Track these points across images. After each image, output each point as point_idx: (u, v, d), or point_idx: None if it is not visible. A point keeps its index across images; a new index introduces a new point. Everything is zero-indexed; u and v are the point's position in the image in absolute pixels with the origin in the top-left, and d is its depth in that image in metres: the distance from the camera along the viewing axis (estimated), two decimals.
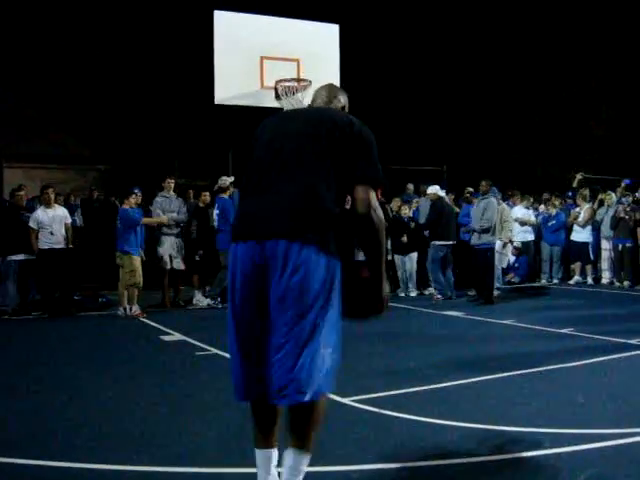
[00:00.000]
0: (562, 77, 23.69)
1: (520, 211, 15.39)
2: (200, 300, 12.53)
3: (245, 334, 3.41)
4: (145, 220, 11.11)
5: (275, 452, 3.60)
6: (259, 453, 3.60)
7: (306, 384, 3.27)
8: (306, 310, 3.27)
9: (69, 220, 11.94)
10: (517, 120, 23.96)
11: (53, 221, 11.44)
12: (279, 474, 3.57)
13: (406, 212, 13.82)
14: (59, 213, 11.65)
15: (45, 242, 11.35)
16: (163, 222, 11.45)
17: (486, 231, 11.97)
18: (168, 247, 12.27)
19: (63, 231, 11.54)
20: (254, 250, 3.32)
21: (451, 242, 13.04)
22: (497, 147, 23.66)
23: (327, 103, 3.79)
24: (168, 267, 12.24)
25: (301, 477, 3.44)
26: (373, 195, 3.41)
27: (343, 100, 3.87)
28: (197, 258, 12.60)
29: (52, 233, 11.37)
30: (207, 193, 13.05)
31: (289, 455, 3.42)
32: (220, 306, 12.17)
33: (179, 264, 12.42)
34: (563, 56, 23.35)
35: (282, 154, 3.39)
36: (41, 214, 11.46)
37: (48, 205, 11.58)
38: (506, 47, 23.17)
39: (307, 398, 3.28)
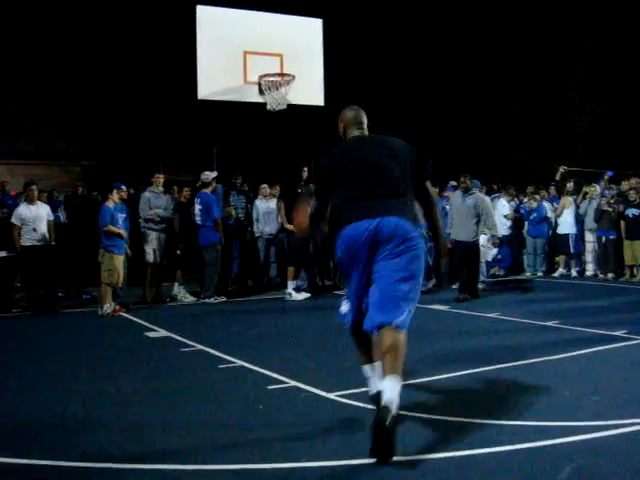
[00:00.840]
0: (545, 70, 23.78)
1: (506, 206, 15.41)
2: (184, 295, 12.49)
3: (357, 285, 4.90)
4: (107, 229, 10.91)
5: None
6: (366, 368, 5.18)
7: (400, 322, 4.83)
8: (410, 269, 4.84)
9: (52, 217, 11.86)
10: (501, 113, 24.02)
11: (36, 218, 11.33)
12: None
13: None
14: (42, 210, 11.54)
15: (28, 239, 11.25)
16: (121, 236, 11.20)
17: (472, 225, 11.87)
18: (153, 242, 12.23)
19: (45, 228, 11.43)
20: (369, 224, 4.74)
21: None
22: (481, 140, 23.71)
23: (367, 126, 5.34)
24: (152, 261, 12.19)
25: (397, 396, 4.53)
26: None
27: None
28: (178, 252, 12.59)
29: (35, 230, 11.27)
30: (188, 189, 12.99)
31: (387, 380, 4.59)
32: (218, 300, 12.24)
33: (163, 259, 12.40)
34: (546, 49, 23.43)
35: (382, 173, 4.90)
36: (24, 210, 11.34)
37: (31, 202, 11.47)
38: (489, 40, 23.22)
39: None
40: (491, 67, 23.49)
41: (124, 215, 11.62)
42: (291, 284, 12.65)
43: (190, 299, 12.45)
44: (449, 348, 7.93)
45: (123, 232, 11.07)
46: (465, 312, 10.66)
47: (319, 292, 13.06)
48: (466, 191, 12.06)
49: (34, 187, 11.65)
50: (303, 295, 12.67)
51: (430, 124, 22.85)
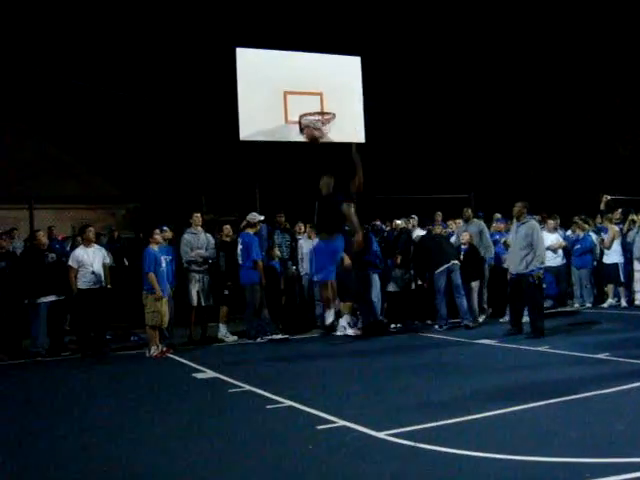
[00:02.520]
0: (586, 99, 23.60)
1: (550, 237, 15.23)
2: (226, 336, 12.56)
3: None
4: (148, 276, 11.01)
5: None
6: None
7: None
8: None
9: (108, 259, 12.00)
10: (543, 144, 23.87)
11: (94, 260, 11.48)
12: None
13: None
14: (98, 252, 11.69)
15: (84, 282, 11.39)
16: (157, 295, 11.29)
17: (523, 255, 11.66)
18: (196, 284, 12.35)
19: (101, 271, 11.58)
20: None
21: (449, 264, 12.86)
22: (524, 172, 23.57)
23: None
24: (195, 304, 12.32)
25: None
26: None
27: None
28: (226, 292, 12.67)
29: (93, 272, 11.42)
30: (228, 226, 13.10)
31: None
32: (264, 340, 12.27)
33: (207, 300, 12.49)
34: (586, 77, 23.28)
35: None
36: (81, 253, 11.47)
37: (88, 244, 11.62)
38: (530, 71, 23.17)
39: None
40: (532, 99, 23.41)
41: (169, 257, 11.72)
42: (346, 318, 12.60)
43: (232, 339, 12.50)
44: (498, 384, 7.83)
45: (157, 290, 11.05)
46: (513, 346, 10.53)
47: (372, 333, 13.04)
48: (518, 219, 11.90)
49: (91, 229, 11.80)
50: (355, 331, 12.63)
51: (472, 157, 22.80)
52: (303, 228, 14.10)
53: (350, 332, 12.49)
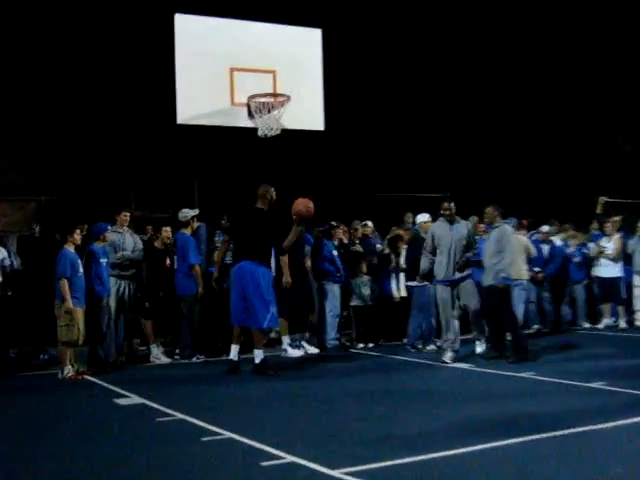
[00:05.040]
0: (584, 87, 23.84)
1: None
2: (157, 357, 12.48)
3: None
4: (62, 284, 10.86)
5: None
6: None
7: None
8: None
9: (7, 263, 11.83)
10: (531, 137, 24.05)
11: None
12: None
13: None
14: None
15: None
16: (67, 306, 11.14)
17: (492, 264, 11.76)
18: (119, 293, 12.20)
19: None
20: None
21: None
22: (509, 169, 23.72)
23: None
24: (113, 317, 12.08)
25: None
26: None
27: None
28: (147, 305, 12.62)
29: None
30: (168, 228, 13.00)
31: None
32: (199, 360, 12.30)
33: (130, 312, 12.41)
34: (588, 64, 23.53)
35: None
36: None
37: None
38: (524, 54, 23.35)
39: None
40: (521, 84, 23.60)
41: (107, 260, 11.72)
42: (285, 339, 12.72)
43: (164, 360, 12.43)
44: (474, 415, 7.85)
45: (68, 300, 10.92)
46: (493, 371, 10.63)
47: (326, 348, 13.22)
48: (490, 223, 11.99)
49: None
50: (301, 352, 12.76)
51: (450, 152, 22.92)
52: None
53: (295, 353, 12.55)
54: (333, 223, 13.93)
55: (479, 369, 10.90)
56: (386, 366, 11.54)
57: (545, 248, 15.19)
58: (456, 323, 12.09)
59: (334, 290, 13.37)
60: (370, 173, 21.93)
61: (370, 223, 14.99)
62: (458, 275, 11.54)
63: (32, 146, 20.32)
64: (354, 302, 13.61)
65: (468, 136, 23.47)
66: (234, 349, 11.03)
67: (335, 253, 13.49)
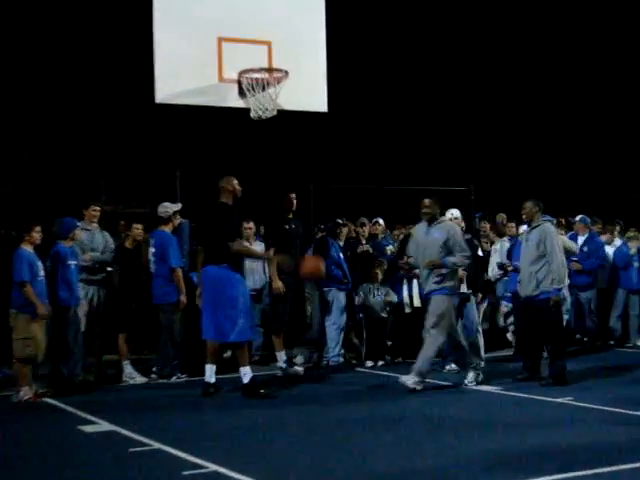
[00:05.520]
0: (628, 73, 23.88)
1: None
2: (131, 376, 12.45)
3: None
4: (27, 290, 10.83)
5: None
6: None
7: None
8: None
9: None
10: (561, 126, 24.06)
11: None
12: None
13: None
14: None
15: None
16: (41, 313, 11.13)
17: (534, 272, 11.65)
18: (86, 301, 12.18)
19: None
20: None
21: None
22: (538, 161, 23.72)
23: None
24: (83, 329, 12.10)
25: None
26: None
27: None
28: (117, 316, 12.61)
29: None
30: (139, 226, 12.98)
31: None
32: (181, 379, 12.29)
33: (101, 324, 12.42)
34: (626, 54, 23.58)
35: None
36: None
37: None
38: (563, 38, 23.39)
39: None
40: (549, 73, 23.66)
41: (76, 262, 11.68)
42: (281, 356, 12.69)
43: (141, 380, 12.42)
44: (501, 446, 7.84)
45: (39, 305, 10.92)
46: (523, 395, 10.60)
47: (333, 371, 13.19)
48: (529, 221, 11.88)
49: None
50: (301, 369, 12.83)
51: (474, 143, 22.91)
52: (254, 228, 14.02)
53: (294, 371, 12.64)
54: (339, 221, 13.89)
55: (507, 393, 10.85)
56: (397, 388, 11.49)
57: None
58: (480, 339, 12.12)
59: (340, 299, 13.34)
60: (380, 162, 21.95)
61: (381, 221, 14.91)
62: (429, 287, 11.38)
63: None
64: (364, 313, 13.54)
65: (495, 120, 23.46)
66: (208, 369, 11.03)
67: (342, 256, 13.45)
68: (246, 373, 10.91)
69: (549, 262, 11.35)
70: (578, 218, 15.48)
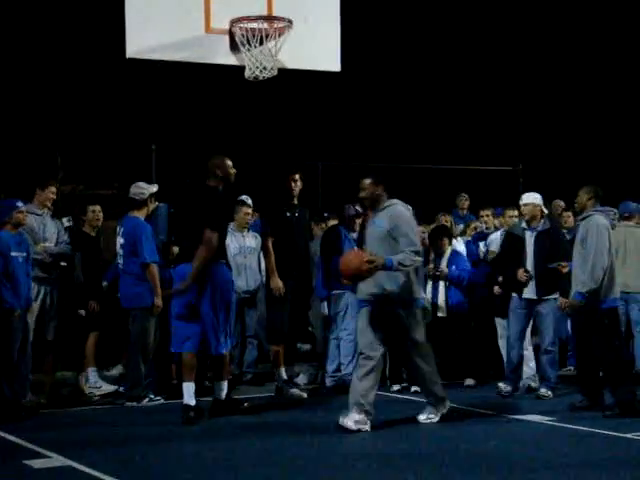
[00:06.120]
0: None
1: None
2: (96, 385, 12.61)
3: None
4: None
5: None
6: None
7: None
8: None
9: None
10: (621, 101, 24.13)
11: None
12: None
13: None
14: None
15: None
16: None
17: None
18: (37, 304, 12.15)
19: None
20: None
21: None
22: (594, 138, 23.77)
23: None
24: (31, 338, 12.02)
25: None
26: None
27: None
28: (82, 313, 12.72)
29: None
30: (96, 207, 13.09)
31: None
32: (153, 402, 12.29)
33: (54, 331, 12.43)
34: None
35: None
36: None
37: None
38: (616, 15, 23.58)
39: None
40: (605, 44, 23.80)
41: (24, 254, 11.65)
42: (280, 373, 12.72)
43: (108, 388, 12.66)
44: None
45: None
46: (583, 429, 10.52)
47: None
48: (581, 212, 11.97)
49: None
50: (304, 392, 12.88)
51: (523, 119, 22.96)
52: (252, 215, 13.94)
53: (299, 393, 12.74)
54: (358, 208, 13.70)
55: (563, 425, 10.77)
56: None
57: None
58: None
59: (353, 303, 13.19)
60: (405, 136, 21.91)
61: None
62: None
63: None
64: None
65: (549, 85, 23.48)
66: (187, 389, 11.03)
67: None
68: (223, 388, 11.19)
69: (586, 261, 11.33)
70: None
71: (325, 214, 14.75)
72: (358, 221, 13.71)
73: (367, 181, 10.93)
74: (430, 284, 13.60)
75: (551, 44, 23.56)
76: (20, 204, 11.68)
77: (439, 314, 13.58)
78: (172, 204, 13.53)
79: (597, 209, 11.78)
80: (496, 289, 13.09)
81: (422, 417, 10.95)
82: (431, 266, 13.51)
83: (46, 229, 12.37)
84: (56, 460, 9.04)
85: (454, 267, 13.55)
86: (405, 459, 9.13)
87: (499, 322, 13.45)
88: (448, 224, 14.31)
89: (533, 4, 23.33)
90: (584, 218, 11.66)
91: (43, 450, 9.45)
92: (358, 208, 13.56)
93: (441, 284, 13.53)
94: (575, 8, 23.46)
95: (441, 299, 13.52)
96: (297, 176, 12.69)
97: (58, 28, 19.08)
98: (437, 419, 10.87)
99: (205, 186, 11.17)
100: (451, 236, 13.91)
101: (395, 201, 11.03)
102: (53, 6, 18.91)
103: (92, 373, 12.58)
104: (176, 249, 12.95)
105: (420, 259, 10.94)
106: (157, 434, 10.57)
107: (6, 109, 19.98)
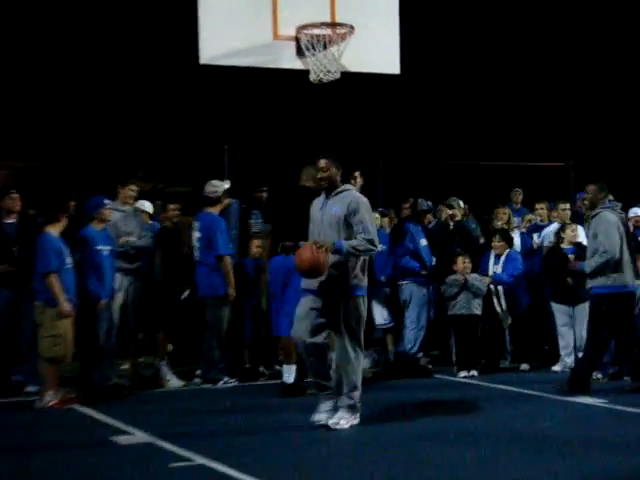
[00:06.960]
0: None
1: None
2: (168, 379, 12.57)
3: None
4: (51, 281, 10.83)
5: None
6: None
7: None
8: None
9: None
10: None
11: None
12: None
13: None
14: None
15: None
16: (62, 309, 11.12)
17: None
18: (121, 293, 12.29)
19: None
20: None
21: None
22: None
23: None
24: (117, 324, 12.21)
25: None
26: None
27: None
28: (186, 293, 12.90)
29: None
30: (175, 206, 13.21)
31: None
32: (228, 385, 12.34)
33: (137, 320, 12.57)
34: None
35: None
36: None
37: None
38: None
39: None
40: None
41: (108, 247, 11.79)
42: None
43: (178, 383, 12.57)
44: (605, 469, 7.77)
45: (62, 301, 10.97)
46: (634, 410, 10.42)
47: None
48: (592, 208, 12.03)
49: None
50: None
51: (574, 114, 22.81)
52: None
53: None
54: (429, 203, 13.81)
55: (614, 406, 10.68)
56: (481, 398, 11.42)
57: None
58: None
59: (417, 294, 13.25)
60: (462, 134, 21.84)
61: (461, 203, 14.85)
62: None
63: (8, 99, 20.50)
64: (453, 311, 13.38)
65: (601, 80, 23.30)
66: (287, 370, 11.32)
67: (425, 243, 13.38)
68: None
69: (599, 255, 11.51)
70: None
71: (379, 209, 14.72)
72: (429, 216, 13.86)
73: (324, 162, 9.89)
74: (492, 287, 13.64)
75: (604, 39, 23.34)
76: (107, 201, 11.95)
77: (499, 308, 13.61)
78: (243, 199, 13.62)
79: (605, 205, 11.93)
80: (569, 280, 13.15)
81: (331, 421, 9.55)
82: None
83: (128, 224, 12.53)
84: (139, 437, 9.18)
85: (504, 272, 13.57)
86: (463, 437, 9.14)
87: (558, 309, 13.43)
88: (506, 216, 14.29)
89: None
90: (595, 215, 11.79)
91: (127, 427, 9.59)
92: (430, 203, 13.70)
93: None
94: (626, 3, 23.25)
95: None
96: (357, 173, 12.75)
97: (138, 38, 19.21)
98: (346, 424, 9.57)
99: (306, 188, 11.24)
100: (511, 240, 13.89)
101: (349, 186, 10.22)
102: (137, 18, 19.08)
103: (163, 366, 12.56)
104: (256, 242, 13.14)
105: (376, 249, 9.92)
106: (234, 413, 10.62)
107: (92, 115, 20.18)
